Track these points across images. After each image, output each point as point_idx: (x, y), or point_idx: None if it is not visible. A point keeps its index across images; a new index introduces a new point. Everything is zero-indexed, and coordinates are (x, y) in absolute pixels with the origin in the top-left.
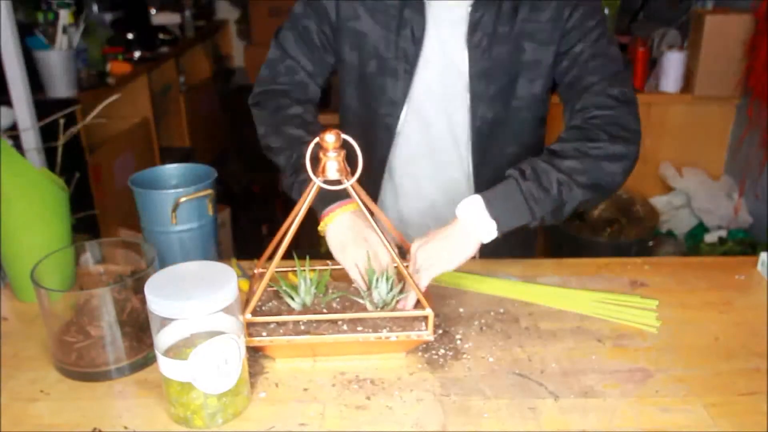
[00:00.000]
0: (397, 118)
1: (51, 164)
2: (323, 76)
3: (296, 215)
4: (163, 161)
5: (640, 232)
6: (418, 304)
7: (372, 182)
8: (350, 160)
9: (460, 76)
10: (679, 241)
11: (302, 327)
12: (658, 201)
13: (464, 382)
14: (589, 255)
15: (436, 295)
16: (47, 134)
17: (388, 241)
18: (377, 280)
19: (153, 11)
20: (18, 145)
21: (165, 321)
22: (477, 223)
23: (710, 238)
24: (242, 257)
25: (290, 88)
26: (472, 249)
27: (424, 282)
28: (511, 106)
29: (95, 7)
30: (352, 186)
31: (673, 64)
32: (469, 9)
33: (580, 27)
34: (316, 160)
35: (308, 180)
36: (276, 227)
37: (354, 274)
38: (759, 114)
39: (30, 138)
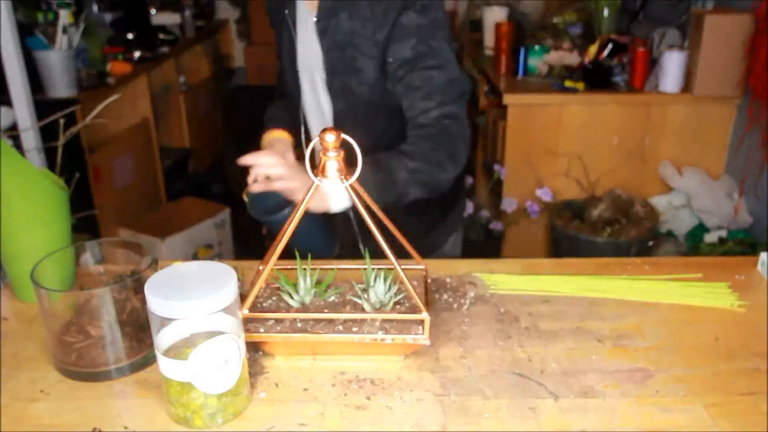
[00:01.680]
0: (306, 112)
1: (51, 164)
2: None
3: (297, 213)
4: (163, 161)
5: (640, 232)
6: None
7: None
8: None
9: (319, 74)
10: (679, 241)
11: (299, 325)
12: (658, 201)
13: (464, 382)
14: (589, 255)
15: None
16: (47, 134)
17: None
18: (375, 279)
19: (153, 11)
20: (18, 145)
21: (165, 321)
22: (335, 191)
23: (710, 238)
24: (242, 257)
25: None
26: (321, 209)
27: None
28: (357, 98)
29: (95, 7)
30: (351, 186)
31: (673, 64)
32: (314, 20)
33: (407, 32)
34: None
35: None
36: None
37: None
38: (759, 114)
39: (30, 138)
